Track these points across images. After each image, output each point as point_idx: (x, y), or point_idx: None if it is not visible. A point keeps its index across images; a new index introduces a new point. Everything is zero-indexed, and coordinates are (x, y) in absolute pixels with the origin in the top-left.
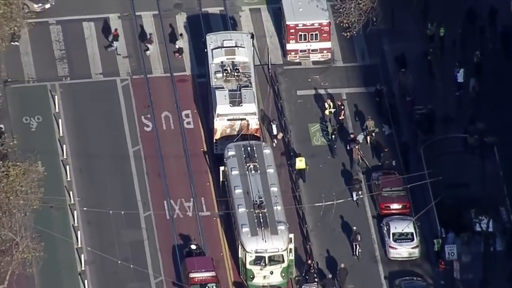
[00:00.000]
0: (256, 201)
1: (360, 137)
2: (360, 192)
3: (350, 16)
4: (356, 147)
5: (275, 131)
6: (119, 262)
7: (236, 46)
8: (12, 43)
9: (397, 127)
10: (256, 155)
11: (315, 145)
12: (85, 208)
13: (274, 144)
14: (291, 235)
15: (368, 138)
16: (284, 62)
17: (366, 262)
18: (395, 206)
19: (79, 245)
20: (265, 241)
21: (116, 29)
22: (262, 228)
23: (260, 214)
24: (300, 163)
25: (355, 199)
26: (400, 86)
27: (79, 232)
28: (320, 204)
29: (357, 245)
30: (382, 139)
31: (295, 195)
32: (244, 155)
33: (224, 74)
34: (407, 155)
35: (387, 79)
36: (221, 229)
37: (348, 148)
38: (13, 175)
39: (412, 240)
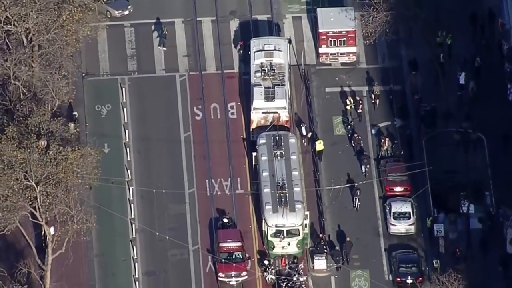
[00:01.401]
0: (279, 183)
1: (375, 129)
2: (368, 166)
3: (368, 27)
4: (386, 139)
5: (304, 132)
6: (157, 234)
7: (274, 50)
8: (159, 47)
9: (406, 121)
10: (282, 143)
11: (337, 135)
12: (132, 187)
13: (304, 143)
14: (307, 213)
15: (374, 101)
16: (317, 63)
17: (370, 236)
18: (398, 189)
19: (132, 216)
20: (284, 217)
21: (242, 39)
22: (282, 206)
23: (282, 194)
24: (320, 145)
25: (363, 171)
26: (411, 86)
27: (133, 205)
28: (330, 188)
29: (357, 199)
30: (393, 131)
31: (315, 179)
32: (272, 143)
33: (262, 74)
34: (411, 146)
35: (401, 80)
36: (252, 205)
37: (353, 142)
38: (71, 159)
39: (409, 218)
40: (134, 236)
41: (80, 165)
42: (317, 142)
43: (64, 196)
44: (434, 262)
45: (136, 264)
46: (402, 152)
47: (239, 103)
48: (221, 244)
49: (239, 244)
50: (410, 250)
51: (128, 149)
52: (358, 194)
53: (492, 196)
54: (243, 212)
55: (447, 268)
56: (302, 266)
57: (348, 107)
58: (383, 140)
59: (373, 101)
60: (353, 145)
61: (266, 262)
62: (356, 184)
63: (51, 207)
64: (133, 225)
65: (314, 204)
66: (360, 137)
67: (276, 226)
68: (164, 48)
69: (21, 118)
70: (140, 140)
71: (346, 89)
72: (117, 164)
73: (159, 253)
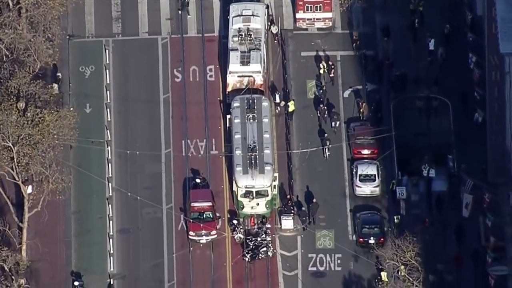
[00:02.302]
0: (250, 145)
1: (346, 93)
2: (338, 122)
3: None
4: (363, 103)
5: (278, 100)
6: (129, 194)
7: (252, 15)
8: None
9: (377, 85)
10: (255, 106)
11: (309, 98)
12: (108, 148)
13: (277, 110)
14: (276, 174)
15: (354, 45)
16: (294, 28)
17: (336, 197)
18: (366, 151)
19: (110, 175)
20: (253, 179)
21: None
22: (252, 168)
23: (252, 157)
24: (292, 106)
25: (333, 126)
26: (383, 51)
27: (110, 164)
28: (298, 151)
29: (327, 149)
30: (364, 95)
31: (287, 142)
32: (246, 107)
33: (239, 38)
34: (380, 110)
35: (374, 45)
36: (225, 166)
37: (318, 112)
38: (48, 121)
39: (374, 180)
40: (110, 194)
41: (57, 127)
42: (289, 103)
43: (40, 157)
44: (395, 217)
45: (111, 221)
46: (370, 115)
47: (217, 66)
48: (192, 204)
49: (209, 204)
50: (374, 212)
51: (108, 110)
52: (328, 144)
53: (454, 159)
54: (216, 172)
55: (404, 231)
56: (269, 226)
57: (321, 71)
58: (360, 103)
59: (353, 44)
60: (319, 114)
61: (235, 221)
62: (326, 134)
63: (28, 167)
64: (110, 184)
65: (285, 166)
66: (325, 107)
67: (246, 187)
68: (189, 15)
69: (1, 80)
70: (120, 101)
71: (321, 53)
72: (98, 124)
73: (133, 211)
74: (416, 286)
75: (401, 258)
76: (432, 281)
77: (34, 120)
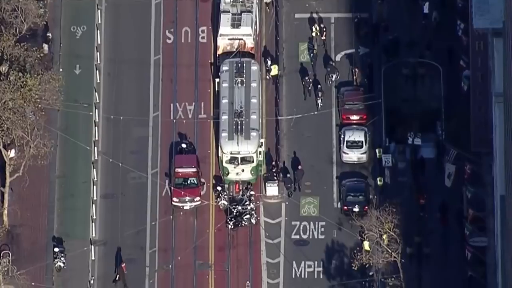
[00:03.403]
0: (237, 110)
1: (339, 56)
2: (334, 76)
3: None
4: (356, 69)
5: (270, 65)
6: (110, 160)
7: None
8: None
9: (370, 49)
10: (244, 70)
11: (301, 61)
12: (95, 111)
13: (268, 76)
14: (262, 140)
15: None
16: None
17: (323, 164)
18: (354, 117)
19: (96, 138)
20: (239, 145)
21: None
22: (238, 134)
23: (239, 122)
24: (274, 70)
25: (329, 80)
26: (377, 14)
27: (97, 128)
28: (283, 117)
29: (320, 100)
30: (358, 60)
31: (276, 108)
32: (235, 71)
33: (231, 0)
34: (371, 74)
35: (369, 8)
36: (212, 130)
37: (303, 82)
38: (30, 85)
39: (362, 147)
40: (96, 158)
41: (39, 91)
42: (272, 67)
43: (22, 121)
44: (378, 179)
45: (95, 186)
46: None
47: (210, 27)
48: (177, 170)
49: (194, 170)
50: (360, 179)
51: (98, 71)
52: (320, 95)
53: (442, 126)
54: (204, 137)
55: (386, 200)
56: (253, 193)
57: (313, 34)
58: (353, 70)
59: None
60: (303, 83)
61: (219, 188)
62: (319, 86)
63: (9, 132)
64: (96, 148)
65: (273, 131)
66: (310, 80)
67: (231, 153)
68: None
69: None
70: (111, 62)
71: (315, 15)
72: (87, 86)
73: (118, 176)
74: (395, 257)
75: (380, 229)
76: (410, 253)
77: (16, 85)
